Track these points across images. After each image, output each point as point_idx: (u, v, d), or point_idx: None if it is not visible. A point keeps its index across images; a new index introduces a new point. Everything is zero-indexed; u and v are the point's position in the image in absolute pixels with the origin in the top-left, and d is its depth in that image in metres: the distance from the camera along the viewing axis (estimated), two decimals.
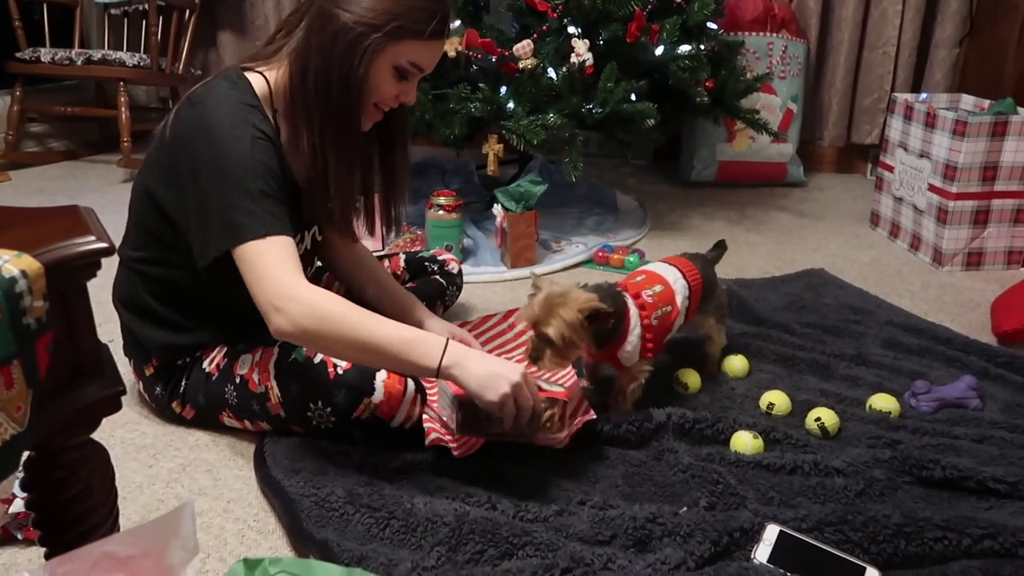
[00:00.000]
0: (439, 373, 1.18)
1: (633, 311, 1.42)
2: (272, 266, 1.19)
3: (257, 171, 1.23)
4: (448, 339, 1.21)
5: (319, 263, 1.66)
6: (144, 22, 3.36)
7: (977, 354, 1.77)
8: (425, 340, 1.20)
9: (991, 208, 2.35)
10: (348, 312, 1.19)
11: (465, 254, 2.34)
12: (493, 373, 1.18)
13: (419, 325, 1.53)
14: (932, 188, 2.40)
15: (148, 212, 1.35)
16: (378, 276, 1.63)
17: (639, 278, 1.51)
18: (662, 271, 1.54)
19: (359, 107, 1.30)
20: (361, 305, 1.48)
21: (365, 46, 1.24)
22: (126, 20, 3.58)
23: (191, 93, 1.30)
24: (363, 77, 1.26)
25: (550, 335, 1.30)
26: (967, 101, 2.61)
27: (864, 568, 1.09)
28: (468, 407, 1.24)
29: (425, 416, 1.35)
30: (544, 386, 1.38)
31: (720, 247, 1.76)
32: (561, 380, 1.50)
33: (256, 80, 1.32)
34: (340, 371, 1.32)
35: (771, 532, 1.14)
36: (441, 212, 2.25)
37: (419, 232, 2.41)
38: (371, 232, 1.51)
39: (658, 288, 1.48)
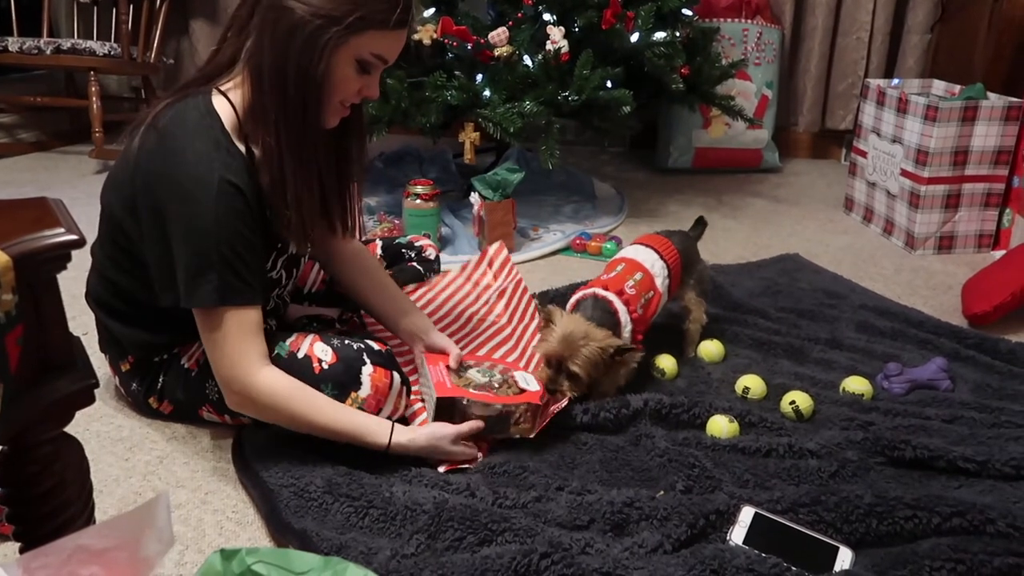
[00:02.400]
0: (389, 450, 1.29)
1: (621, 311, 1.46)
2: (229, 343, 1.23)
3: (222, 235, 1.19)
4: (392, 425, 1.29)
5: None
6: (114, 10, 3.30)
7: (948, 336, 1.80)
8: (369, 431, 1.28)
9: (962, 192, 2.38)
10: (299, 406, 1.26)
11: (443, 243, 2.34)
12: (432, 448, 1.30)
13: (416, 332, 1.52)
14: (904, 173, 2.43)
15: (113, 227, 1.32)
16: (374, 276, 1.57)
17: (619, 267, 1.55)
18: (640, 256, 1.57)
19: (319, 105, 1.23)
20: (352, 299, 1.57)
21: (325, 40, 1.17)
22: (96, 8, 3.52)
23: (157, 118, 1.23)
24: (324, 74, 1.19)
25: (577, 372, 1.38)
26: (938, 86, 2.64)
27: (837, 547, 1.11)
28: (444, 405, 1.33)
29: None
30: (521, 384, 1.40)
31: (700, 224, 1.81)
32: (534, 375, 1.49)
33: (224, 108, 1.25)
34: (325, 366, 1.31)
35: (746, 514, 1.16)
36: (418, 201, 2.25)
37: (396, 221, 2.40)
38: (332, 230, 1.43)
39: (639, 276, 1.52)
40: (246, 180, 1.22)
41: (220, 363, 1.25)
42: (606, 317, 1.44)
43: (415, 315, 1.55)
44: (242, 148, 1.25)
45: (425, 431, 1.31)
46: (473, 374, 1.44)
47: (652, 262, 1.56)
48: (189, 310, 1.26)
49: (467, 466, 1.31)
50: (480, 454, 1.33)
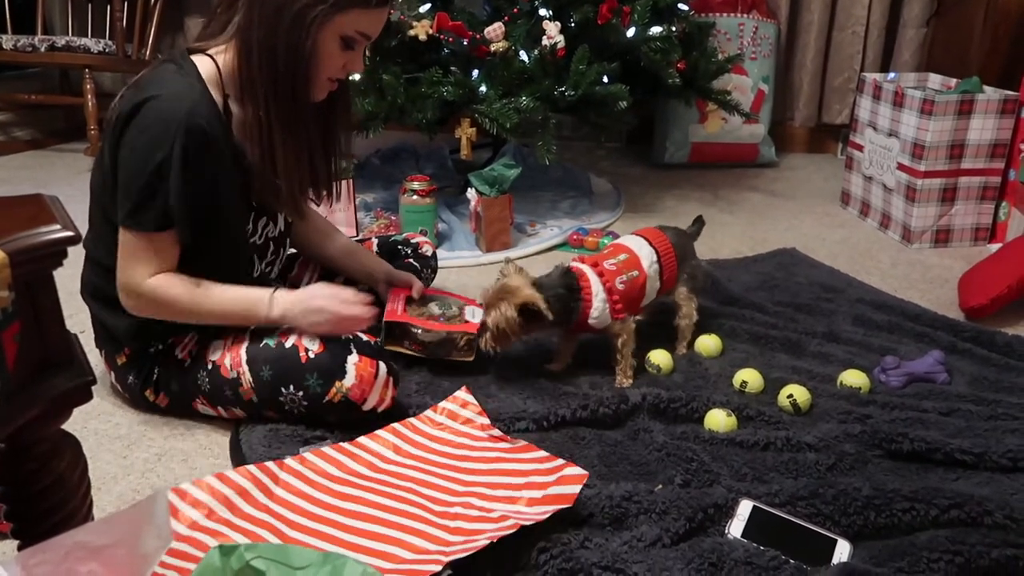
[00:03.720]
0: (273, 322, 1.36)
1: (593, 280, 1.52)
2: (134, 257, 1.29)
3: (176, 168, 1.23)
4: (271, 294, 1.35)
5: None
6: (109, 7, 3.29)
7: (944, 329, 1.80)
8: (253, 303, 1.36)
9: (958, 186, 2.38)
10: (182, 296, 1.31)
11: (440, 239, 2.33)
12: (313, 311, 1.35)
13: (373, 271, 1.65)
14: (901, 167, 2.43)
15: (106, 201, 1.34)
16: (340, 243, 1.68)
17: (605, 251, 1.62)
18: (627, 242, 1.63)
19: (307, 81, 1.30)
20: (321, 263, 1.68)
21: (312, 18, 1.24)
22: (90, 5, 3.51)
23: (137, 78, 1.31)
24: (311, 50, 1.27)
25: (486, 322, 1.48)
26: (934, 80, 2.64)
27: (835, 540, 1.12)
28: (392, 329, 1.52)
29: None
30: (467, 317, 1.60)
31: (699, 222, 1.82)
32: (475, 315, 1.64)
33: (204, 63, 1.31)
34: (312, 355, 1.32)
35: (744, 507, 1.16)
36: (415, 197, 2.24)
37: (393, 218, 2.40)
38: (317, 199, 1.50)
39: (622, 257, 1.57)
40: (216, 125, 1.28)
41: (122, 272, 1.31)
42: (566, 283, 1.50)
43: (375, 260, 1.68)
44: (218, 99, 1.31)
45: (304, 291, 1.39)
46: (432, 307, 1.61)
47: (639, 246, 1.60)
48: None
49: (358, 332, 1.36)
50: (371, 310, 1.37)
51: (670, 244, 1.63)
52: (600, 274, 1.53)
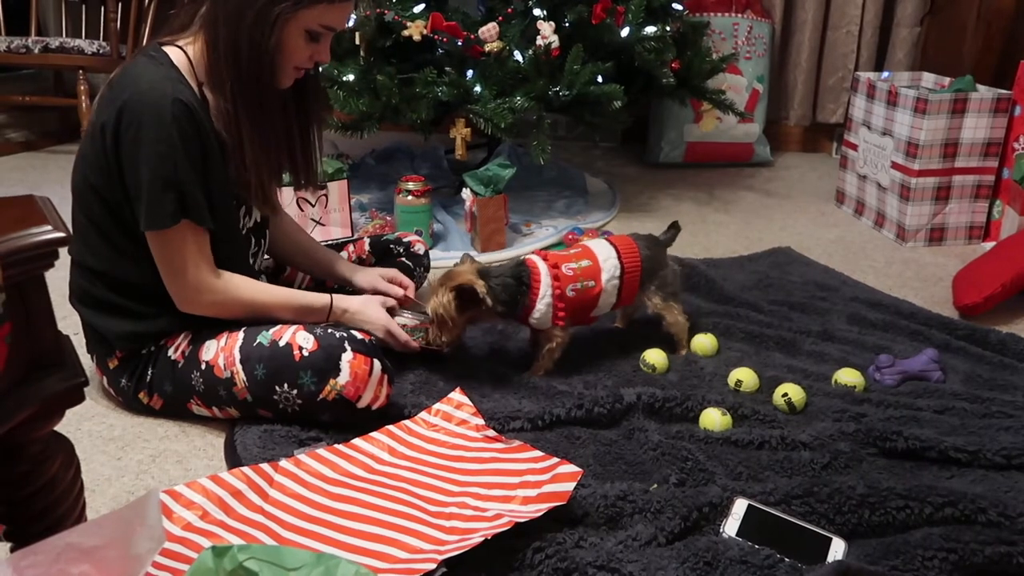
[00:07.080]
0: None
1: (545, 281, 1.50)
2: (191, 255, 1.32)
3: (180, 155, 1.25)
4: (331, 302, 1.45)
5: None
6: (103, 8, 3.28)
7: (939, 327, 1.80)
8: (312, 310, 1.44)
9: (952, 184, 2.39)
10: (248, 300, 1.39)
11: (435, 239, 2.33)
12: (367, 323, 1.47)
13: (347, 279, 1.64)
14: (895, 165, 2.43)
15: (90, 204, 1.34)
16: (301, 243, 1.68)
17: (572, 251, 1.58)
18: (596, 248, 1.59)
19: (273, 73, 1.31)
20: (291, 266, 1.69)
21: (275, 15, 1.25)
22: (84, 6, 3.50)
23: (112, 77, 1.31)
24: (275, 46, 1.28)
25: (428, 311, 1.50)
26: (928, 79, 2.65)
27: (830, 538, 1.12)
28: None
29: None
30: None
31: (674, 228, 1.75)
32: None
33: (175, 54, 1.33)
34: (306, 353, 1.32)
35: (739, 506, 1.16)
36: (410, 197, 2.24)
37: (388, 218, 2.39)
38: (296, 187, 1.53)
39: (584, 263, 1.54)
40: (196, 108, 1.29)
41: (172, 278, 1.33)
42: (516, 273, 1.49)
43: (344, 263, 1.68)
44: (193, 85, 1.32)
45: (361, 298, 1.50)
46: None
47: (606, 257, 1.56)
48: (162, 289, 1.34)
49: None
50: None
51: (639, 260, 1.58)
52: (555, 277, 1.50)
